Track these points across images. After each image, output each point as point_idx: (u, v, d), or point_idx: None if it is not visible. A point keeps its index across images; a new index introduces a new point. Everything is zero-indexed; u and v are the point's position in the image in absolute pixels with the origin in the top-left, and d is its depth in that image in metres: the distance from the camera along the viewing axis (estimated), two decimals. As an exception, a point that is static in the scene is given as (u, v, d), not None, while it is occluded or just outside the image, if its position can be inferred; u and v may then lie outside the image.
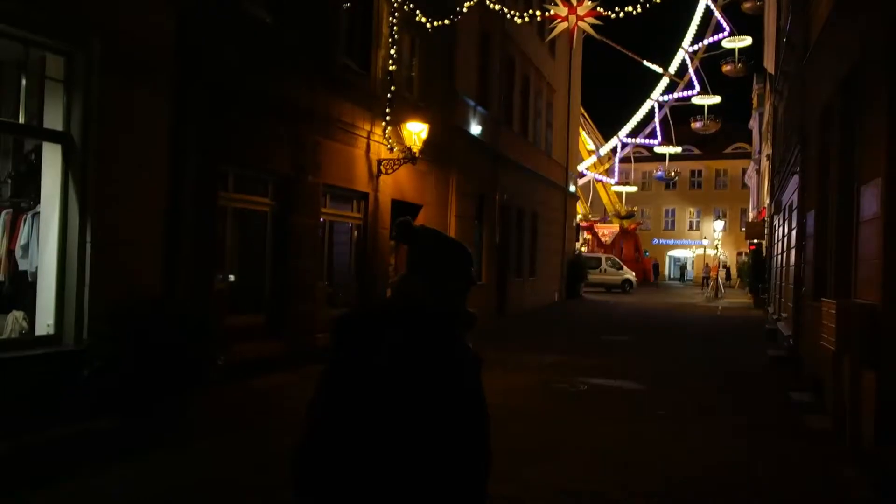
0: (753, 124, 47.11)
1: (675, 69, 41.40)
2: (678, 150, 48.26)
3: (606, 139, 46.29)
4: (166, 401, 7.36)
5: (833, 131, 9.67)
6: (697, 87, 41.77)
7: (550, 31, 15.84)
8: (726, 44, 37.63)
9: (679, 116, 50.03)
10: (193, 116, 8.77)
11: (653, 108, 42.84)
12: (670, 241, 66.34)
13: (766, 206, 31.28)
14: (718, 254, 52.00)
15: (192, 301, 8.15)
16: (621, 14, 12.86)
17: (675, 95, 42.05)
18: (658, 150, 47.45)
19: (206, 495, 5.58)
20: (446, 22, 13.80)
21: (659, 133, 44.07)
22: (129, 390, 7.08)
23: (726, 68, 39.71)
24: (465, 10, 13.99)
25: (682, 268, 66.68)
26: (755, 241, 34.32)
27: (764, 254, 30.11)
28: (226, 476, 6.01)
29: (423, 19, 13.70)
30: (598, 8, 13.56)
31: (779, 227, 20.87)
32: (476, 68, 18.80)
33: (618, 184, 50.66)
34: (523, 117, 24.23)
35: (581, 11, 13.32)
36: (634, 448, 7.27)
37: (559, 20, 13.79)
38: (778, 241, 21.42)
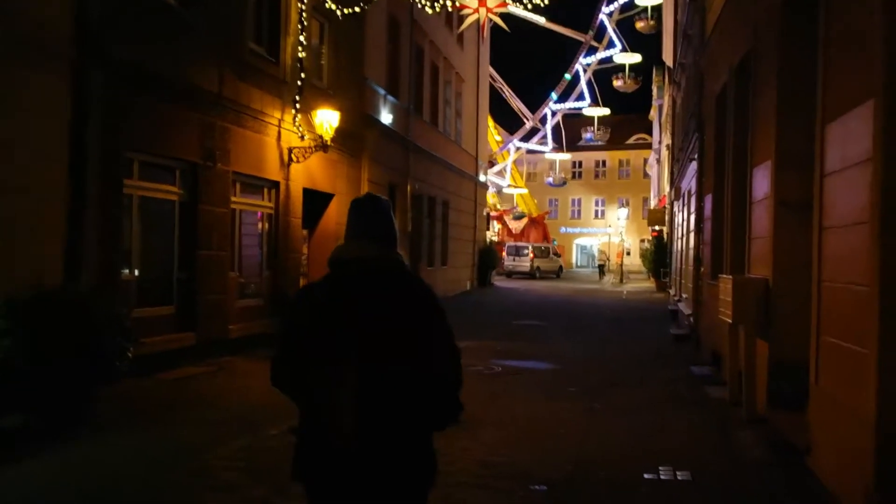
0: (653, 115, 48.86)
1: (594, 33, 43.33)
2: (607, 111, 49.60)
3: (535, 106, 47.57)
4: (73, 395, 7.10)
5: (727, 117, 10.22)
6: (619, 46, 43.89)
7: (460, 21, 16.02)
8: (639, 1, 39.29)
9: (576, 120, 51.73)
10: (96, 101, 8.43)
11: (577, 72, 44.54)
12: (577, 230, 68.18)
13: (666, 193, 32.58)
14: (623, 241, 53.80)
15: (98, 291, 7.85)
16: (529, 6, 13.14)
17: (598, 56, 43.94)
18: (587, 112, 48.74)
19: (115, 492, 5.41)
20: (356, 9, 13.72)
21: (587, 95, 45.72)
22: (32, 386, 6.78)
23: (639, 25, 41.93)
24: (375, -3, 13.95)
25: (592, 256, 68.69)
26: (657, 227, 35.74)
27: (665, 239, 31.40)
28: (136, 471, 5.83)
29: (333, 6, 13.58)
30: (507, 0, 13.79)
31: (679, 212, 21.84)
32: (386, 56, 18.78)
33: (553, 150, 51.39)
34: (433, 106, 24.35)
35: (491, 3, 13.51)
36: (547, 423, 7.52)
37: (470, 12, 13.94)
38: (678, 226, 22.41)
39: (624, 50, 44.11)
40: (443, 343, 2.63)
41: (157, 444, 6.54)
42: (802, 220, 6.67)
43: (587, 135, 52.95)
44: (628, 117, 59.14)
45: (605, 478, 5.67)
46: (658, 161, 43.41)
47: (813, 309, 5.85)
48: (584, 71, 44.79)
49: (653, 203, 47.77)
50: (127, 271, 9.57)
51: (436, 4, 13.96)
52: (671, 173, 26.61)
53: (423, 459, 2.60)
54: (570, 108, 47.13)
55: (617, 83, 46.81)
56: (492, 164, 43.15)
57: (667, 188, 31.67)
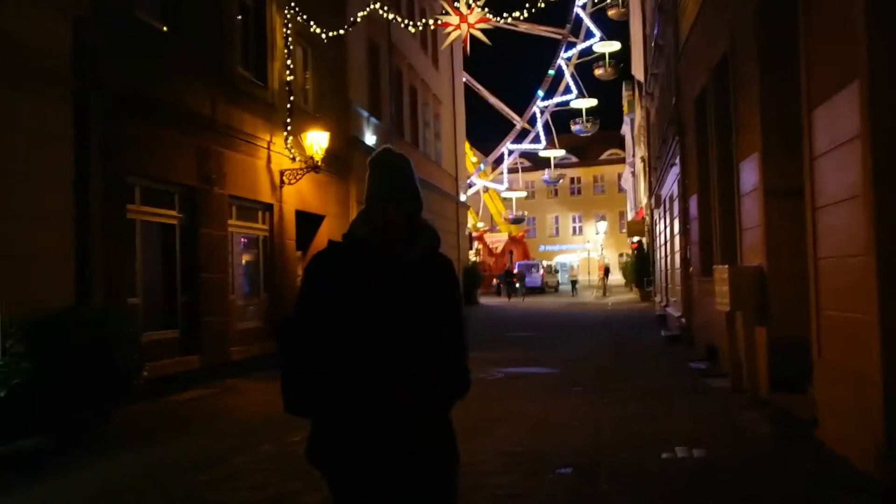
0: (625, 130, 49.72)
1: (570, 27, 45.42)
2: (594, 102, 50.23)
3: (524, 108, 48.91)
4: (90, 415, 7.19)
5: (708, 117, 10.59)
6: (597, 36, 45.92)
7: (435, 43, 16.40)
8: None
9: (561, 124, 52.82)
10: (96, 126, 8.57)
11: (560, 67, 46.31)
12: (556, 247, 68.80)
13: (643, 205, 33.12)
14: (603, 255, 54.41)
15: (111, 312, 7.95)
16: (510, 19, 13.51)
17: (578, 48, 45.63)
18: (575, 104, 49.38)
19: (158, 490, 5.54)
20: (341, 32, 14.01)
21: (573, 88, 47.32)
22: (50, 407, 6.85)
23: (612, 13, 43.64)
24: (358, 19, 14.23)
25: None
26: (636, 238, 36.26)
27: (646, 249, 31.86)
28: (169, 475, 5.96)
29: (318, 30, 13.87)
30: (489, 14, 14.17)
31: (660, 220, 22.25)
32: (366, 80, 19.10)
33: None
34: (413, 128, 24.71)
35: (472, 19, 13.88)
36: (559, 417, 7.72)
37: (452, 28, 14.30)
38: (660, 233, 22.81)
39: (602, 39, 45.85)
40: (459, 318, 2.53)
41: (185, 453, 6.64)
42: (790, 207, 7.00)
43: (576, 127, 53.45)
44: (600, 134, 60.10)
45: (627, 459, 5.87)
46: (633, 174, 44.12)
47: (811, 287, 6.13)
48: (567, 65, 46.28)
49: (630, 216, 48.49)
50: (133, 294, 9.65)
51: (419, 24, 14.28)
52: (649, 183, 27.12)
53: (446, 440, 2.45)
54: (557, 104, 48.33)
55: (598, 72, 48.16)
56: (470, 185, 43.81)
57: (644, 199, 32.22)
